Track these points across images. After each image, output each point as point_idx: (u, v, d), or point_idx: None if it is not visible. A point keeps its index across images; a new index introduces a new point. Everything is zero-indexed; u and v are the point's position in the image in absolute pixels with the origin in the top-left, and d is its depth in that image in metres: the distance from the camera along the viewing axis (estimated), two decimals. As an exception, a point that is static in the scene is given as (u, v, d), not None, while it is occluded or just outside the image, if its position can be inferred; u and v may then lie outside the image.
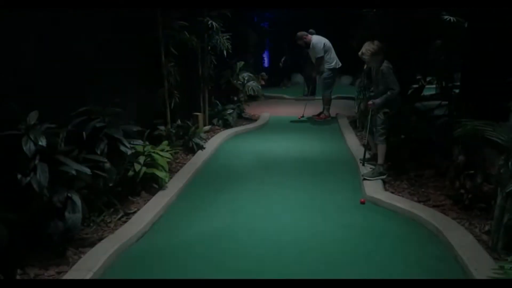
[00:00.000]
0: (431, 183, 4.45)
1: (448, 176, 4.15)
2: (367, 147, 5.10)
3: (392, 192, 4.30)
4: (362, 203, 4.14)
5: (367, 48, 4.43)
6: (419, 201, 4.04)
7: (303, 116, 8.61)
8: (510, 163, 2.70)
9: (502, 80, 3.90)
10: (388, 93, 4.42)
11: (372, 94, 4.89)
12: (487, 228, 3.34)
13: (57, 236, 2.95)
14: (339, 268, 2.92)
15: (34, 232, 3.00)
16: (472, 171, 3.84)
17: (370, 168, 4.73)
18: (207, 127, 6.95)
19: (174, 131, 5.78)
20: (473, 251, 2.98)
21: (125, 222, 3.67)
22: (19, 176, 2.70)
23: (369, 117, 4.76)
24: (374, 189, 4.34)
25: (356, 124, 7.41)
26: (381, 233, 3.48)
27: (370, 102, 4.65)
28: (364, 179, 4.50)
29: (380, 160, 4.56)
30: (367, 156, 5.03)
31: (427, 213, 3.71)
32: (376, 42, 4.44)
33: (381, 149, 4.56)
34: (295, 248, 3.22)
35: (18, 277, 2.79)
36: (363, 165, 4.90)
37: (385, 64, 4.43)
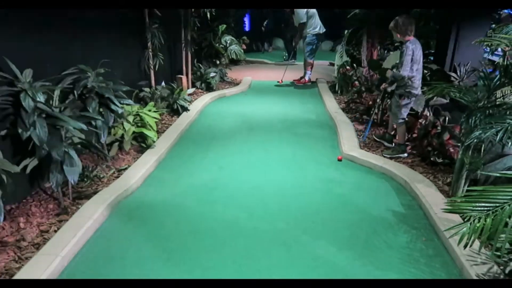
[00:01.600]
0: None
1: (418, 135, 4.51)
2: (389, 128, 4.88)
3: (367, 151, 4.64)
4: (339, 160, 4.47)
5: (392, 23, 4.19)
6: (390, 158, 4.40)
7: (282, 82, 8.81)
8: (470, 120, 3.03)
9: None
10: (394, 70, 4.30)
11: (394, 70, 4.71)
12: (448, 180, 3.74)
13: (57, 188, 3.13)
14: (318, 214, 3.27)
15: (35, 185, 3.19)
16: (439, 130, 4.20)
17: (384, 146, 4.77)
18: (190, 90, 7.07)
19: (159, 92, 5.89)
20: (435, 198, 3.37)
21: (117, 177, 3.87)
22: (20, 130, 2.84)
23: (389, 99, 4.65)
24: (350, 147, 4.68)
25: (336, 88, 7.68)
26: (356, 185, 3.83)
27: (383, 85, 4.63)
28: (384, 156, 4.44)
29: (401, 140, 4.46)
30: (378, 135, 5.01)
31: (397, 168, 4.08)
32: (401, 18, 4.12)
33: (400, 130, 4.46)
34: (279, 198, 3.54)
35: (21, 225, 3.00)
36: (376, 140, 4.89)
37: (409, 44, 4.09)
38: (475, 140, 2.82)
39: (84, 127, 3.20)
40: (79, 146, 3.47)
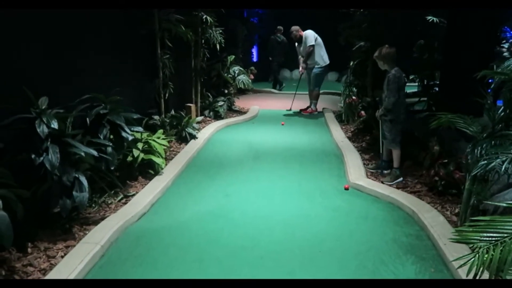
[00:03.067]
0: (409, 172, 4.81)
1: (425, 165, 4.51)
2: (381, 155, 4.97)
3: (374, 180, 4.64)
4: (346, 189, 4.47)
5: (376, 52, 4.50)
6: (397, 188, 4.40)
7: (290, 109, 8.94)
8: (476, 151, 3.05)
9: (474, 78, 4.28)
10: (385, 100, 4.51)
11: (378, 98, 5.03)
12: (456, 210, 3.71)
13: (65, 213, 3.17)
14: (324, 243, 3.24)
15: (45, 209, 3.23)
16: (445, 160, 4.21)
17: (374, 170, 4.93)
18: (199, 118, 7.19)
19: (168, 120, 6.01)
20: (443, 229, 3.34)
21: (125, 203, 3.91)
22: (33, 156, 2.92)
23: (380, 125, 4.80)
24: (357, 176, 4.68)
25: (342, 117, 7.75)
26: (362, 215, 3.81)
27: (376, 113, 4.78)
28: (383, 183, 4.54)
29: (396, 163, 4.59)
30: (372, 165, 5.11)
31: (405, 198, 4.07)
32: (384, 48, 4.43)
33: (395, 154, 4.59)
34: (284, 227, 3.52)
35: (29, 250, 3.02)
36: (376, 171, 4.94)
37: (394, 72, 4.39)
38: (481, 171, 2.83)
39: (95, 153, 3.28)
40: (89, 172, 3.53)
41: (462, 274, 2.60)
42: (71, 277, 2.63)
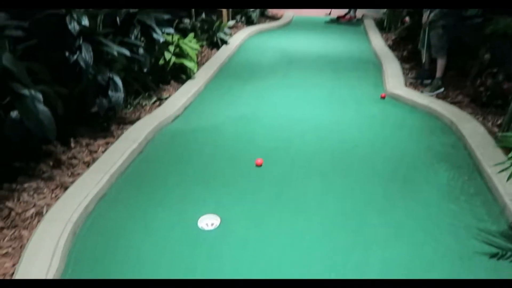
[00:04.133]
0: (452, 83, 4.53)
1: (471, 74, 4.22)
2: (423, 65, 4.66)
3: (413, 90, 4.43)
4: (383, 98, 4.31)
5: None
6: (437, 98, 4.19)
7: (330, 14, 8.38)
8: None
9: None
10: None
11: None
12: (499, 122, 3.53)
13: (102, 112, 3.26)
14: (357, 149, 3.23)
15: (83, 108, 3.33)
16: (495, 70, 3.90)
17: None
18: (230, 23, 6.88)
19: (199, 24, 5.79)
20: (483, 140, 3.21)
21: (159, 106, 3.97)
22: (67, 53, 2.92)
23: (426, 32, 4.39)
24: (395, 85, 4.47)
25: (383, 25, 7.21)
26: (398, 123, 3.71)
27: (424, 18, 4.34)
28: (423, 93, 4.35)
29: (439, 73, 4.35)
30: (412, 75, 4.85)
31: (444, 108, 3.89)
32: None
33: (440, 63, 4.33)
34: (317, 132, 3.51)
35: (72, 145, 3.19)
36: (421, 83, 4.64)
37: None
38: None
39: (127, 52, 3.24)
40: (122, 73, 3.54)
41: (497, 182, 2.55)
42: (112, 170, 2.78)
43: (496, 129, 3.45)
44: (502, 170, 2.03)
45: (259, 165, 2.97)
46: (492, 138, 3.27)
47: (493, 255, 2.13)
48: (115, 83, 3.29)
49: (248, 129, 3.55)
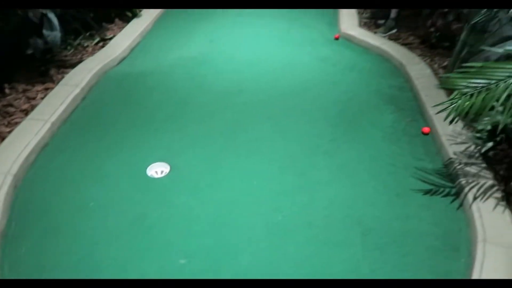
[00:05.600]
0: (406, 24, 4.54)
1: (423, 15, 4.24)
2: None
3: (367, 30, 4.41)
4: (336, 39, 4.27)
5: None
6: (389, 39, 4.22)
7: None
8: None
9: None
10: None
11: None
12: (445, 63, 3.64)
13: (38, 53, 3.01)
14: (308, 91, 3.25)
15: (16, 51, 3.04)
16: (446, 10, 3.93)
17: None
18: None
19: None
20: (428, 81, 3.32)
21: (102, 46, 3.71)
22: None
23: None
24: (349, 26, 4.43)
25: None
26: (350, 65, 3.73)
27: None
28: (376, 33, 4.35)
29: (393, 13, 4.35)
30: (367, 14, 4.78)
31: (395, 50, 3.92)
32: None
33: None
34: (270, 73, 3.48)
35: (7, 91, 2.95)
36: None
37: None
38: (483, 18, 2.64)
39: (60, -14, 2.91)
40: (58, 9, 3.23)
41: (437, 123, 2.69)
42: (53, 118, 2.63)
43: (441, 71, 3.56)
44: (441, 111, 2.12)
45: None
46: (437, 80, 3.39)
47: (427, 191, 2.30)
48: (49, 21, 3.02)
49: (198, 72, 3.44)
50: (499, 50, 2.42)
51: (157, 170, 2.35)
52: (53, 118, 2.63)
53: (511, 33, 3.24)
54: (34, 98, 2.91)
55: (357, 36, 4.22)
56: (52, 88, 3.01)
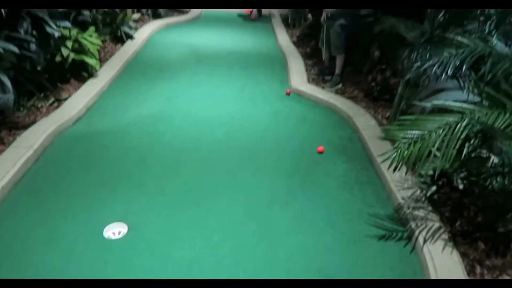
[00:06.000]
0: (349, 78, 4.94)
1: (364, 71, 4.65)
2: (324, 61, 5.01)
3: (315, 86, 4.74)
4: (288, 94, 4.54)
5: None
6: (336, 93, 4.55)
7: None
8: (412, 56, 3.15)
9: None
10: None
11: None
12: (387, 114, 3.97)
13: (-12, 116, 2.94)
14: (264, 145, 3.38)
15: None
16: (383, 66, 4.35)
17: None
18: (136, 16, 6.59)
19: (100, 17, 5.44)
20: (374, 132, 3.58)
21: (57, 107, 3.69)
22: None
23: (324, 30, 4.71)
24: (299, 82, 4.74)
25: (288, 21, 7.53)
26: (301, 119, 3.95)
27: (323, 15, 4.62)
28: (324, 89, 4.63)
29: (338, 70, 4.68)
30: (315, 71, 5.14)
31: (342, 103, 4.24)
32: None
33: (339, 60, 4.65)
34: (226, 129, 3.59)
35: (-48, 155, 2.82)
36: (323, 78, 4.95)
37: None
38: (414, 75, 2.96)
39: (16, 49, 2.95)
40: (11, 72, 3.21)
41: (385, 170, 2.88)
42: (3, 182, 2.53)
43: (385, 121, 3.87)
44: (386, 160, 2.30)
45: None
46: (381, 129, 3.67)
47: (381, 237, 2.42)
48: (2, 83, 2.98)
49: (156, 129, 3.49)
50: (428, 104, 2.70)
51: (115, 231, 2.30)
52: (3, 182, 2.53)
53: (441, 86, 3.65)
54: (-18, 162, 2.79)
55: (306, 91, 4.52)
56: (3, 151, 2.91)
